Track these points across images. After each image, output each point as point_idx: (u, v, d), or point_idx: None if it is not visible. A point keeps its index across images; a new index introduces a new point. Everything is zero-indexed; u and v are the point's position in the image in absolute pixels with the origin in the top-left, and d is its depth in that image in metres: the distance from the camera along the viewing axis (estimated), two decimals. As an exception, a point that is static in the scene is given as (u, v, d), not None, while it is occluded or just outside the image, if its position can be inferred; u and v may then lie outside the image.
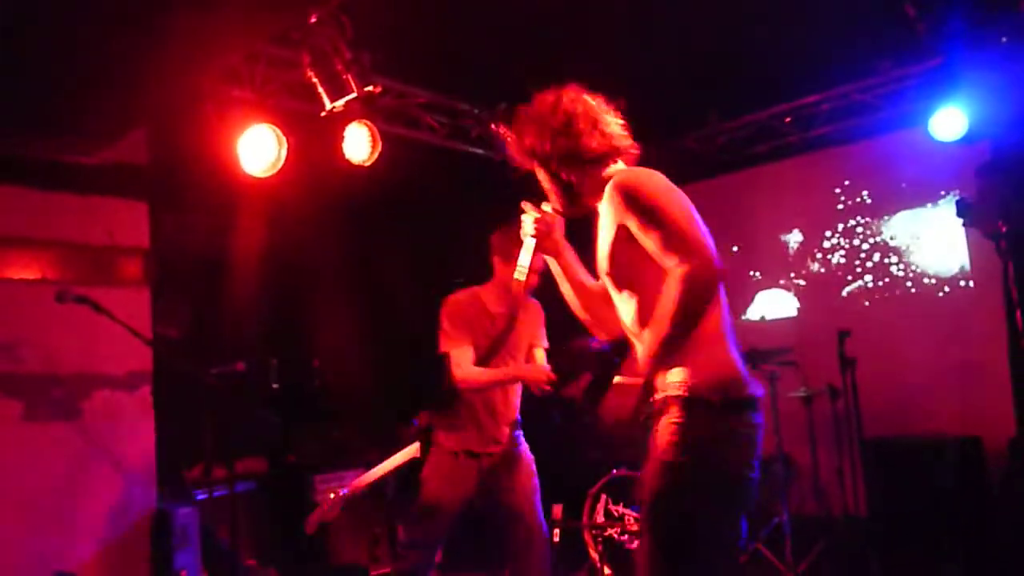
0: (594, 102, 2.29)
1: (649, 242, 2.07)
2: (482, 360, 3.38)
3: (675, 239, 2.04)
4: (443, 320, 3.46)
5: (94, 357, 3.93)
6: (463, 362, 3.35)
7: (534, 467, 3.55)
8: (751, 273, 6.60)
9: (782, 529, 4.70)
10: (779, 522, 4.83)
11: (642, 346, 2.09)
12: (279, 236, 5.17)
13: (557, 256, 2.43)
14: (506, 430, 3.50)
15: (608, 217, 2.19)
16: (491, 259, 3.49)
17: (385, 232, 5.55)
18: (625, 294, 2.21)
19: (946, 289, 5.66)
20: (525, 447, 3.58)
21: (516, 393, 3.55)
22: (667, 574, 2.01)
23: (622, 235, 2.14)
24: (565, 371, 3.14)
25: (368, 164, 4.21)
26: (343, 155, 4.15)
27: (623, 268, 2.18)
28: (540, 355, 3.57)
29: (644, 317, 2.14)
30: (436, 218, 4.23)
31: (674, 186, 2.17)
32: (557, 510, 4.93)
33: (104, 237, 3.97)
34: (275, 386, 5.52)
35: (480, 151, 5.31)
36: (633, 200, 2.10)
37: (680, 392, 2.04)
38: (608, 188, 2.17)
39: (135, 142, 3.95)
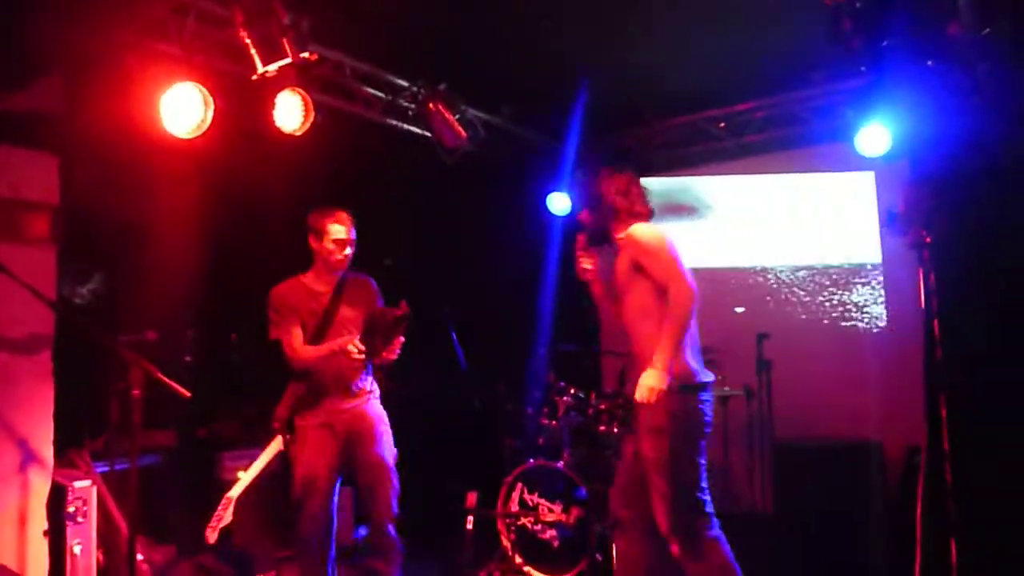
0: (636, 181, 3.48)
1: (653, 273, 3.26)
2: (313, 339, 3.64)
3: (671, 273, 3.22)
4: (269, 311, 3.70)
5: (-10, 317, 3.65)
6: (293, 343, 3.63)
7: (383, 419, 3.75)
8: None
9: (692, 525, 4.71)
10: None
11: (660, 347, 3.14)
12: (202, 202, 4.93)
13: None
14: (355, 398, 3.71)
15: (626, 253, 3.39)
16: (308, 240, 3.73)
17: (314, 204, 5.36)
18: (630, 307, 3.39)
19: (862, 297, 5.79)
20: (373, 404, 3.77)
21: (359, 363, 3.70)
22: (679, 493, 3.18)
23: (634, 267, 3.34)
24: (369, 335, 3.45)
25: (300, 134, 4.05)
26: (274, 123, 3.98)
27: (631, 290, 3.37)
28: None
29: (642, 321, 3.34)
30: (367, 194, 4.09)
31: (668, 237, 3.32)
32: (471, 497, 4.87)
33: (8, 190, 3.68)
34: (188, 358, 5.29)
35: (416, 129, 5.17)
36: (647, 245, 3.33)
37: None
38: (630, 233, 3.39)
39: (49, 90, 3.66)
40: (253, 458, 4.86)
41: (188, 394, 3.37)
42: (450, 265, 5.78)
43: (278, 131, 4.00)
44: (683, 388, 3.18)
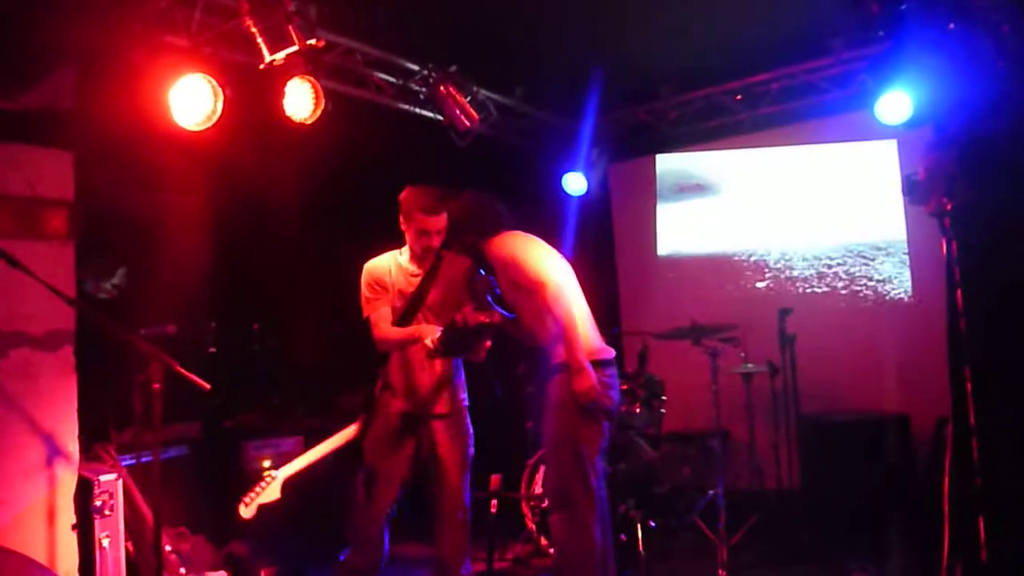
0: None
1: (522, 282, 3.35)
2: (400, 321, 3.51)
3: (534, 277, 3.32)
4: (362, 286, 3.56)
5: (13, 315, 3.67)
6: (380, 322, 3.50)
7: (471, 439, 3.57)
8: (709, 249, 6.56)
9: (716, 502, 4.70)
10: (714, 495, 4.82)
11: (567, 351, 3.28)
12: (217, 194, 4.94)
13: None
14: (436, 393, 3.54)
15: (497, 270, 3.45)
16: (399, 220, 3.56)
17: (329, 192, 5.35)
18: (527, 315, 3.44)
19: (886, 270, 5.69)
20: (464, 418, 3.59)
21: (452, 364, 3.58)
22: (574, 470, 3.27)
23: (508, 280, 3.43)
24: (448, 335, 3.33)
25: (311, 122, 4.02)
26: (284, 112, 3.96)
27: (519, 300, 3.43)
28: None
29: (540, 324, 3.39)
30: (382, 179, 4.06)
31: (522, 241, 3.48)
32: (495, 480, 4.86)
33: (25, 188, 3.69)
34: (212, 350, 5.33)
35: (428, 113, 5.12)
36: (505, 259, 3.43)
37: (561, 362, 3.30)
38: (489, 253, 3.47)
39: (61, 87, 3.66)
40: (277, 447, 4.93)
41: (208, 386, 3.38)
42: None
43: (289, 120, 3.98)
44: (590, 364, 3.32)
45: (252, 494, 3.52)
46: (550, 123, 6.12)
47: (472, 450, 3.57)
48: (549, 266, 3.36)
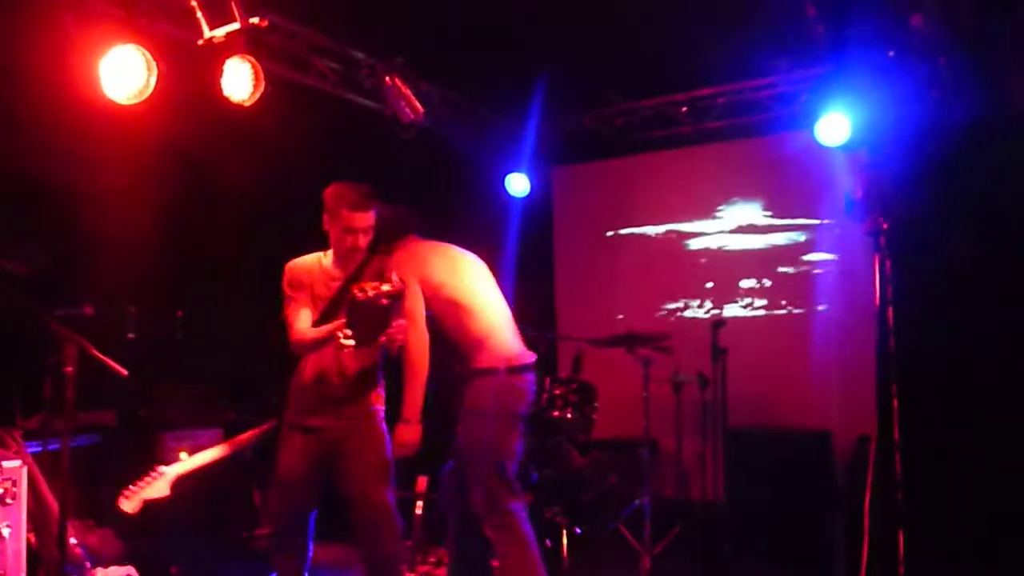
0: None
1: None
2: (320, 321, 3.33)
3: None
4: (284, 285, 3.43)
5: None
6: (296, 323, 3.33)
7: (386, 442, 3.38)
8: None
9: (642, 511, 4.74)
10: (640, 504, 4.87)
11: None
12: (146, 172, 4.77)
13: None
14: (348, 398, 3.35)
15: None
16: (323, 217, 3.36)
17: (264, 178, 5.23)
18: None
19: (818, 287, 5.84)
20: (377, 420, 3.39)
21: (358, 357, 3.33)
22: (497, 478, 3.29)
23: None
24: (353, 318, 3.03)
25: (249, 104, 3.92)
26: (222, 91, 3.85)
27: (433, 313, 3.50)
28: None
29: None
30: (320, 168, 3.98)
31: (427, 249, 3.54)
32: (422, 482, 4.81)
33: (-68, 153, 3.51)
34: (131, 335, 5.15)
35: (372, 104, 5.07)
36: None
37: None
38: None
39: (-20, 50, 3.49)
40: (194, 439, 4.79)
41: (125, 372, 3.26)
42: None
43: (226, 101, 3.86)
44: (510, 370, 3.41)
45: (134, 487, 3.40)
46: (495, 121, 6.11)
47: (388, 455, 3.37)
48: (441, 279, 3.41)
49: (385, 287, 2.95)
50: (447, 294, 3.38)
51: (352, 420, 3.35)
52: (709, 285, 6.29)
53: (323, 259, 3.44)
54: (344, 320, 2.99)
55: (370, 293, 2.91)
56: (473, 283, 3.46)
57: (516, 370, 3.36)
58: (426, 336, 3.29)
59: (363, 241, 3.31)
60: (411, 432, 3.27)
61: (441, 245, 3.58)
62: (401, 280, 3.07)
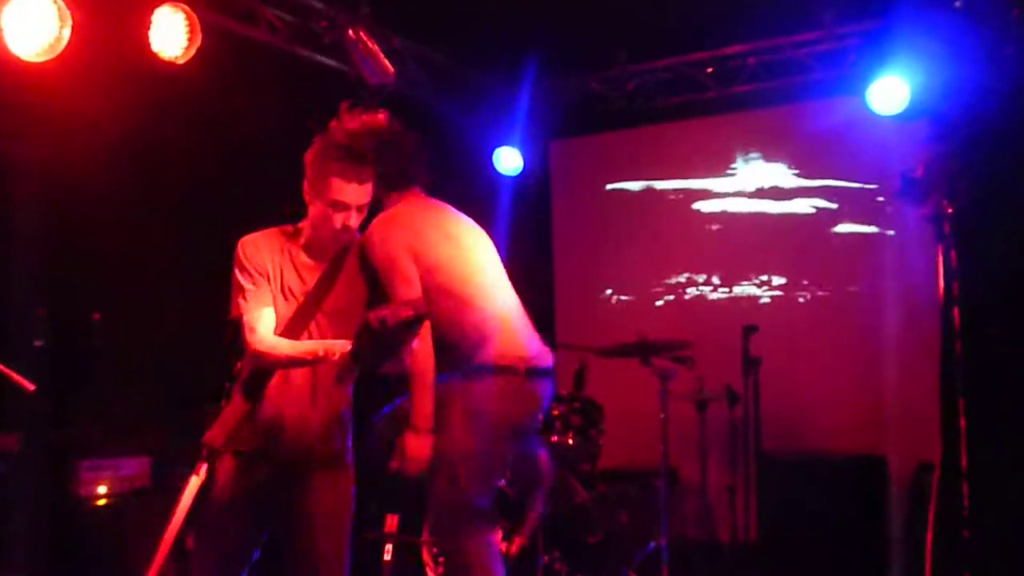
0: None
1: None
2: (286, 331, 3.01)
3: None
4: (235, 270, 3.05)
5: None
6: (260, 327, 2.98)
7: (352, 496, 3.19)
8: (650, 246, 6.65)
9: (659, 556, 4.76)
10: (656, 547, 4.89)
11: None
12: (56, 146, 4.75)
13: None
14: (319, 433, 3.08)
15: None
16: (302, 187, 3.06)
17: (202, 154, 5.22)
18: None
19: (872, 284, 5.87)
20: (348, 468, 3.19)
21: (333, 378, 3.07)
22: (477, 487, 3.28)
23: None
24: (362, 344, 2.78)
25: (183, 62, 3.93)
26: (150, 47, 3.85)
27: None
28: None
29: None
30: (270, 141, 3.98)
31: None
32: (392, 522, 4.82)
33: None
34: (38, 343, 5.14)
35: (332, 62, 5.08)
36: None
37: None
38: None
39: None
40: (117, 469, 4.79)
41: (32, 387, 3.25)
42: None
43: (156, 58, 3.87)
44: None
45: None
46: (481, 85, 6.12)
47: (351, 500, 3.18)
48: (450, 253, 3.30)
49: (406, 313, 2.69)
50: (442, 279, 3.23)
51: (316, 444, 3.08)
52: (740, 289, 6.32)
53: (291, 237, 3.10)
54: (349, 347, 2.77)
55: (389, 322, 2.65)
56: (479, 264, 3.35)
57: (536, 373, 3.29)
58: (426, 327, 3.12)
59: (355, 221, 3.00)
60: (421, 444, 3.19)
61: (439, 208, 3.43)
62: (423, 308, 2.81)
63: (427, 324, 3.09)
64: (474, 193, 6.25)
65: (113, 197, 5.13)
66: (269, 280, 3.03)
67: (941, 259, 2.72)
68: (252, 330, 2.96)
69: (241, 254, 3.05)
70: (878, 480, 5.28)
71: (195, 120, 4.95)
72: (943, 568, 2.83)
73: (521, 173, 6.35)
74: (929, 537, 3.42)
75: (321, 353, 2.85)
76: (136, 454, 4.92)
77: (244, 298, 3.00)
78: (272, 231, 3.13)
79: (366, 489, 4.14)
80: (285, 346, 2.95)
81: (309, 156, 3.04)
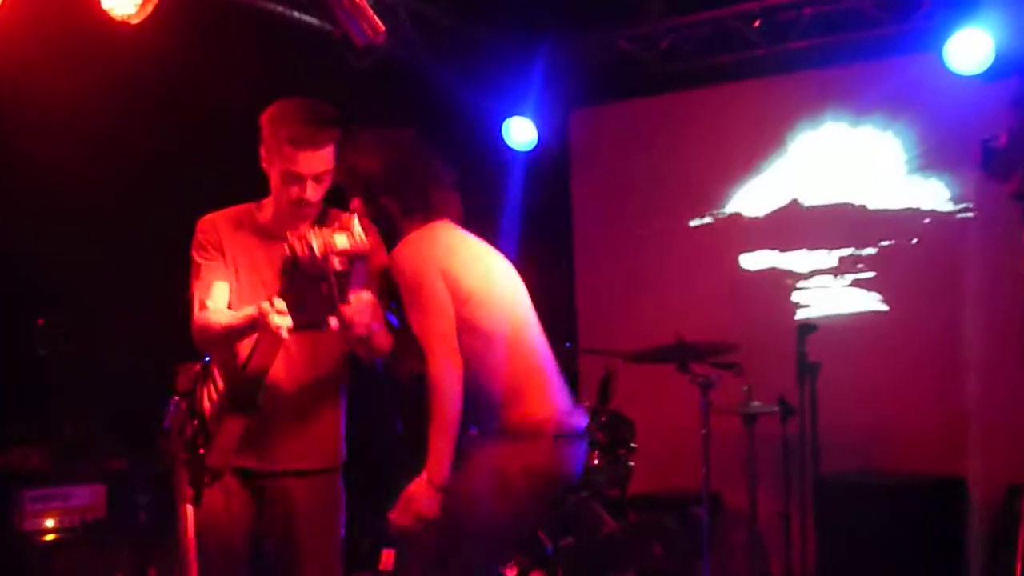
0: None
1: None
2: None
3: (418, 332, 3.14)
4: (193, 249, 3.19)
5: None
6: (208, 302, 3.08)
7: (340, 514, 3.30)
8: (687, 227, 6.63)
9: (702, 595, 4.75)
10: (698, 585, 4.88)
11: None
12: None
13: None
14: (298, 437, 3.18)
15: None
16: (259, 152, 3.13)
17: (164, 129, 5.23)
18: None
19: (945, 272, 5.83)
20: (336, 480, 3.30)
21: (311, 360, 3.16)
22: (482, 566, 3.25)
23: None
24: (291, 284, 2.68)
25: (137, 22, 3.91)
26: (99, 4, 3.84)
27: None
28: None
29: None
30: (241, 113, 3.96)
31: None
32: (388, 557, 4.82)
33: None
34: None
35: (313, 20, 5.07)
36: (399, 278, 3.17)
37: None
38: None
39: None
40: (67, 499, 4.80)
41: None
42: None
43: (105, 17, 3.85)
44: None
45: None
46: (489, 45, 6.09)
47: (340, 529, 3.29)
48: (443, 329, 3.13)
49: (339, 238, 2.60)
50: (476, 314, 3.14)
51: (299, 464, 3.18)
52: (794, 281, 6.29)
53: (256, 214, 3.23)
54: (276, 290, 2.71)
55: (315, 247, 2.56)
56: (513, 300, 3.28)
57: (567, 437, 3.20)
58: (458, 362, 3.07)
59: (314, 193, 3.07)
60: (429, 499, 3.05)
61: (471, 238, 3.37)
62: (366, 233, 2.68)
63: (458, 352, 3.07)
64: (481, 172, 6.23)
65: (61, 179, 5.14)
66: (223, 257, 3.16)
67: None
68: (201, 305, 3.11)
69: (197, 231, 3.21)
70: (957, 506, 5.25)
71: (154, 90, 4.96)
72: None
73: (535, 148, 6.33)
74: (1019, 572, 3.40)
75: (257, 313, 2.80)
76: (88, 481, 4.94)
77: (195, 274, 3.16)
78: (232, 209, 3.27)
79: (358, 523, 4.16)
80: (223, 316, 3.06)
81: (265, 118, 3.12)
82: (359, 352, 3.16)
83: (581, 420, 3.29)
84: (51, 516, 4.69)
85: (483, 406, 3.15)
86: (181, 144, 5.32)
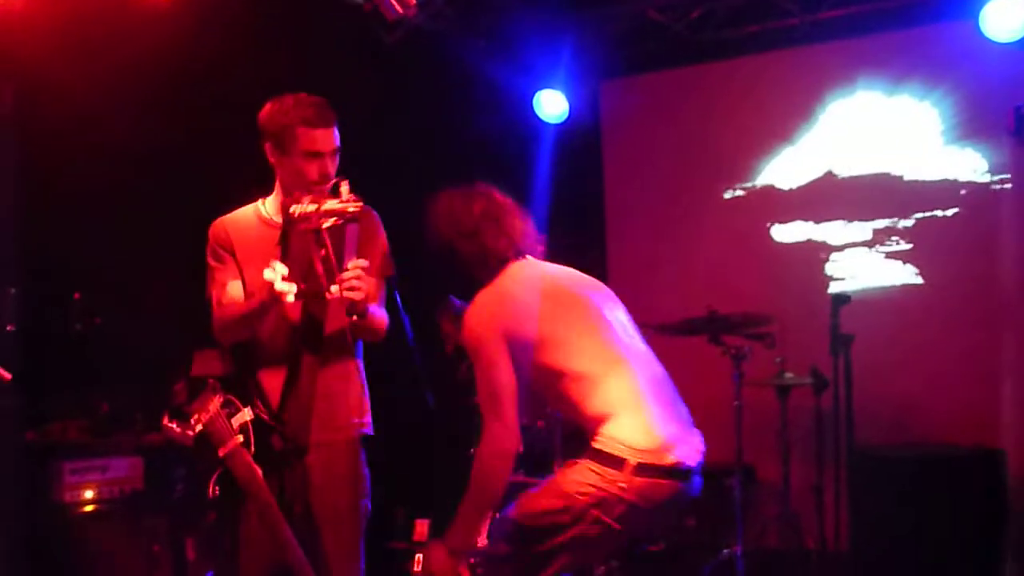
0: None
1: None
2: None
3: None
4: (208, 255, 3.35)
5: None
6: (224, 299, 3.25)
7: (362, 484, 3.32)
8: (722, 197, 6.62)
9: (734, 566, 4.76)
10: (730, 556, 4.89)
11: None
12: (20, 104, 4.82)
13: None
14: (313, 408, 3.22)
15: None
16: (263, 148, 3.29)
17: (190, 109, 5.26)
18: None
19: (983, 242, 5.79)
20: (356, 450, 3.33)
21: (319, 320, 3.23)
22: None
23: None
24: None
25: (169, 2, 3.94)
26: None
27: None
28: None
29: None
30: (269, 90, 3.98)
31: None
32: (422, 528, 4.88)
33: None
34: (11, 327, 5.23)
35: (342, -6, 5.07)
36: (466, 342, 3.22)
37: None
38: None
39: None
40: (105, 471, 4.88)
41: (8, 376, 3.33)
42: (395, 194, 5.70)
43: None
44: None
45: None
46: (519, 18, 6.08)
47: (368, 501, 3.32)
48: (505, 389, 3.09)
49: (331, 203, 2.89)
50: (553, 358, 3.11)
51: (315, 436, 3.21)
52: (828, 252, 6.27)
53: (262, 209, 3.37)
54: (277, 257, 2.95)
55: (309, 210, 2.88)
56: (597, 331, 3.19)
57: (652, 471, 2.96)
58: (512, 434, 3.04)
59: (332, 168, 3.22)
60: (442, 564, 3.04)
61: (543, 274, 3.33)
62: (356, 199, 2.93)
63: (509, 419, 3.04)
64: (511, 146, 6.24)
65: (95, 160, 5.20)
66: (235, 257, 3.29)
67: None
68: (218, 304, 3.25)
69: (209, 237, 3.35)
70: (994, 478, 5.23)
71: (186, 71, 4.97)
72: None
73: (567, 120, 6.33)
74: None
75: (264, 296, 2.99)
76: (127, 453, 4.99)
77: (211, 278, 3.31)
78: (238, 210, 3.41)
79: (392, 493, 4.21)
80: (238, 306, 3.20)
81: (264, 115, 3.26)
82: (358, 328, 3.21)
83: (687, 456, 3.03)
84: (90, 488, 4.74)
85: (585, 432, 3.07)
86: (213, 124, 5.35)
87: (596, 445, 2.98)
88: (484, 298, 3.19)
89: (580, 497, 2.95)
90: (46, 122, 5.00)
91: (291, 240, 2.99)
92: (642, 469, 2.92)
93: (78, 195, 5.23)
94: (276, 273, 2.91)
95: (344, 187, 2.97)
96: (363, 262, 3.00)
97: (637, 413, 3.01)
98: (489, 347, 3.07)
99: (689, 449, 3.05)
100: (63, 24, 3.96)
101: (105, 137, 5.10)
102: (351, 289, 2.92)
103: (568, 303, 3.22)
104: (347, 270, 2.92)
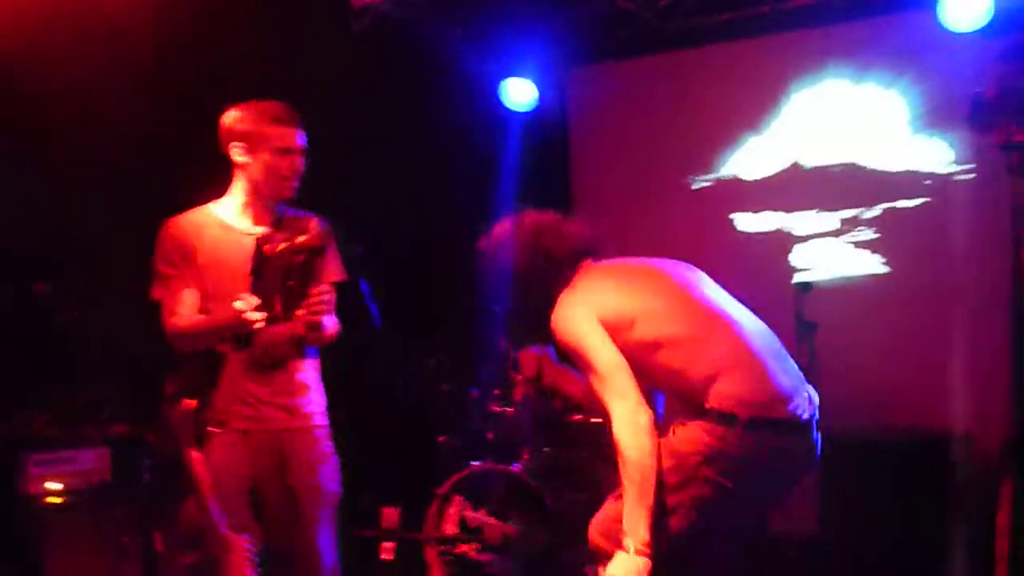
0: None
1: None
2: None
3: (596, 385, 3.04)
4: (156, 258, 3.43)
5: None
6: (175, 308, 3.35)
7: (330, 467, 3.51)
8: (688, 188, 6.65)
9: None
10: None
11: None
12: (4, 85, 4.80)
13: None
14: (280, 399, 3.45)
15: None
16: (226, 151, 3.41)
17: (160, 91, 5.25)
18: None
19: (943, 228, 5.84)
20: (323, 432, 3.54)
21: (293, 355, 3.46)
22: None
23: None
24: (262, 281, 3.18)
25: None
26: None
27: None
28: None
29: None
30: (234, 76, 3.98)
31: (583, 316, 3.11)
32: (391, 516, 4.89)
33: None
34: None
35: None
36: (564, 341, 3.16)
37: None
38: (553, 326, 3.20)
39: None
40: (73, 463, 4.86)
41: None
42: (360, 182, 5.71)
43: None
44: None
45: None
46: (487, 5, 6.08)
47: (334, 484, 3.51)
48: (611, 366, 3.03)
49: (300, 238, 3.12)
50: (646, 331, 3.05)
51: (288, 413, 3.44)
52: (791, 241, 6.31)
53: (217, 212, 3.45)
54: (246, 284, 3.14)
55: (280, 246, 3.10)
56: (685, 296, 3.18)
57: (765, 425, 2.89)
58: (641, 415, 2.91)
59: (301, 165, 3.41)
60: (632, 570, 2.82)
61: (616, 267, 3.39)
62: (323, 232, 3.16)
63: (638, 404, 2.94)
64: (478, 135, 6.25)
65: (61, 144, 5.17)
66: (192, 260, 3.38)
67: (1010, 198, 2.68)
68: (172, 313, 3.35)
69: (164, 239, 3.43)
70: (957, 464, 5.28)
71: (143, 52, 4.95)
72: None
73: (534, 108, 6.33)
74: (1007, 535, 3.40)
75: (231, 315, 3.13)
76: (94, 445, 4.98)
77: (163, 283, 3.39)
78: (192, 211, 3.49)
79: (361, 480, 4.24)
80: (198, 321, 3.33)
81: (230, 118, 3.40)
82: (310, 337, 3.38)
83: (801, 409, 2.97)
84: (56, 480, 4.74)
85: (690, 402, 3.00)
86: (185, 105, 5.33)
87: (707, 404, 2.90)
88: (567, 298, 3.19)
89: (691, 457, 2.89)
90: (11, 106, 4.99)
91: (263, 273, 3.14)
92: (753, 424, 2.85)
93: (44, 178, 5.20)
94: (247, 304, 3.08)
95: (313, 224, 3.17)
96: (327, 288, 3.23)
97: (746, 368, 2.95)
98: (587, 336, 3.05)
99: (802, 401, 2.99)
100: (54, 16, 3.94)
101: (75, 115, 5.09)
102: (316, 312, 3.16)
103: (650, 276, 3.28)
104: (312, 295, 3.14)
